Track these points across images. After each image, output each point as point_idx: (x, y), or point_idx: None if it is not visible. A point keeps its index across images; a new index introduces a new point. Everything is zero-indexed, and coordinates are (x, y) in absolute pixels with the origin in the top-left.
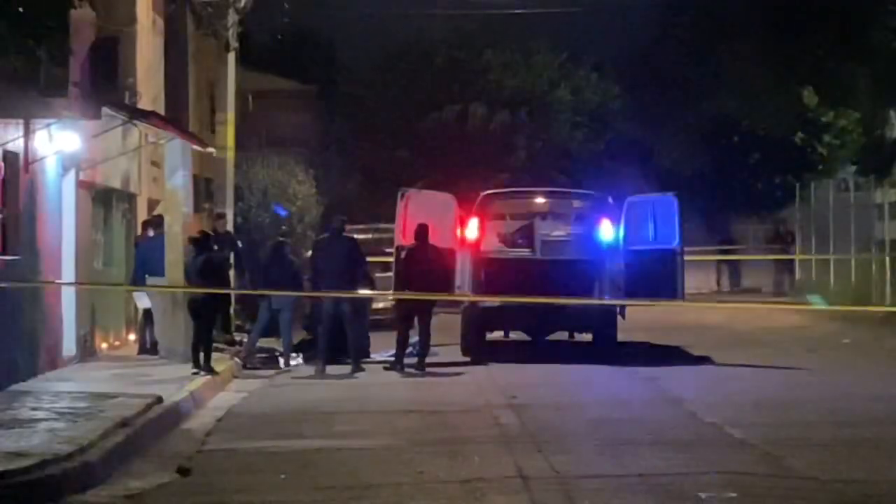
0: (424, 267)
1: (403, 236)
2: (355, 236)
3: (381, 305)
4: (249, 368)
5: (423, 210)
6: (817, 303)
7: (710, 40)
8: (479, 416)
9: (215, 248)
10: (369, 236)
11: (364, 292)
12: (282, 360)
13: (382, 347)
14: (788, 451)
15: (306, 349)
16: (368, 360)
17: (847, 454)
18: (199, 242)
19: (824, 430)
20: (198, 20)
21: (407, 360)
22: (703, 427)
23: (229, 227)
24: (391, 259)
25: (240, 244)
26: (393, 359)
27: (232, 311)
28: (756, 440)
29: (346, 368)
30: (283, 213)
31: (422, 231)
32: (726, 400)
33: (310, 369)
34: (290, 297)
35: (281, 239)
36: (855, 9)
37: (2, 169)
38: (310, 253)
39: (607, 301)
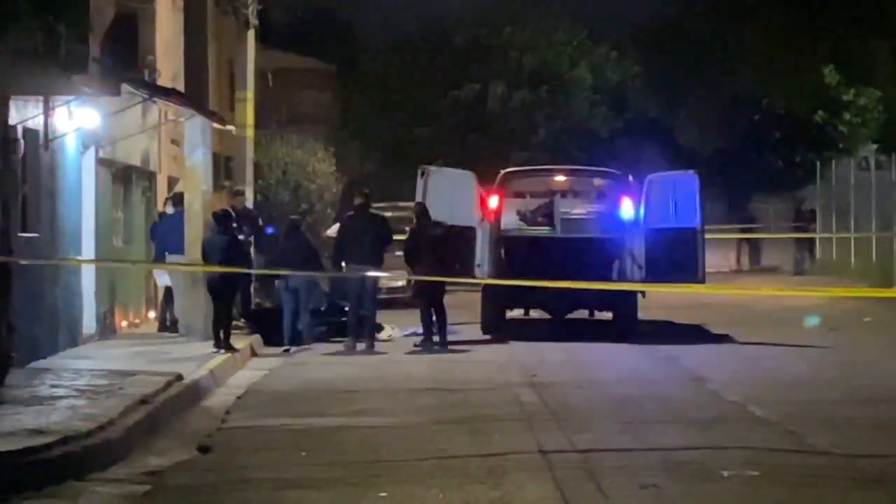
0: (440, 245)
1: None
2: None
3: (398, 284)
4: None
5: (443, 188)
6: (812, 323)
7: (731, 17)
8: (500, 395)
9: (235, 225)
10: (389, 214)
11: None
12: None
13: (400, 324)
14: (810, 429)
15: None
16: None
17: (869, 432)
18: (222, 220)
19: (846, 409)
20: None
21: (416, 339)
22: (724, 405)
23: (249, 204)
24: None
25: (260, 221)
26: (422, 337)
27: (252, 289)
28: (778, 418)
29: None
30: (269, 230)
31: (421, 209)
32: (748, 378)
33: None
34: (306, 276)
35: (293, 217)
36: None
37: (21, 146)
38: (333, 229)
39: (628, 285)
